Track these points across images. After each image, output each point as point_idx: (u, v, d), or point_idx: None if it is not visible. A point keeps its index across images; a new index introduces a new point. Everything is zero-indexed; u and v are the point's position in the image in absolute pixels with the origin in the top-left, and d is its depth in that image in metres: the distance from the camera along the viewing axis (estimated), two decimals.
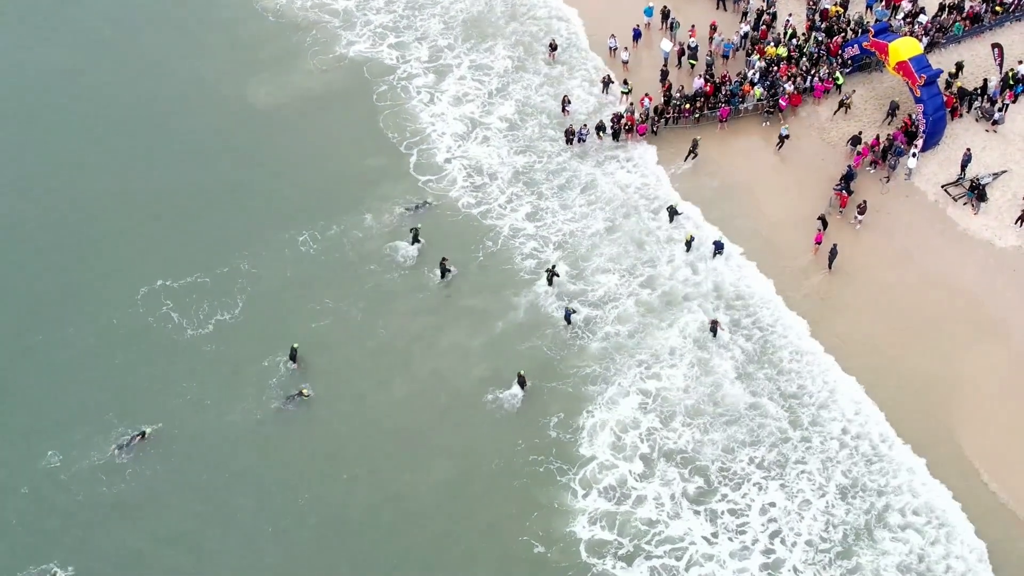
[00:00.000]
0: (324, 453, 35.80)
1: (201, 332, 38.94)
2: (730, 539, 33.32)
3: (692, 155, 43.31)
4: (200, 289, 40.31)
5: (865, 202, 40.72)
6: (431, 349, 38.62)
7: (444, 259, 40.49)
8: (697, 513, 33.90)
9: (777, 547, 33.12)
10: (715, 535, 33.42)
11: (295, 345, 37.75)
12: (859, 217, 40.71)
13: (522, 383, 36.88)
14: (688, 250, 40.76)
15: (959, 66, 43.42)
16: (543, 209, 43.11)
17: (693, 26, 47.39)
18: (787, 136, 43.01)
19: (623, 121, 44.73)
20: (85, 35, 51.74)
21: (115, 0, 53.90)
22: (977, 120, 42.62)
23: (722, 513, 33.89)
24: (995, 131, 42.34)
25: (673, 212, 41.51)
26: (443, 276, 40.55)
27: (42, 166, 45.43)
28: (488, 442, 35.92)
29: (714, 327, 38.14)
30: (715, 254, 40.46)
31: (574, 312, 38.93)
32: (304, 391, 36.64)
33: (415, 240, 41.53)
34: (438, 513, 34.36)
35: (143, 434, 35.51)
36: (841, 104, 43.74)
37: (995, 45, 43.71)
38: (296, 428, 36.40)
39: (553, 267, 40.17)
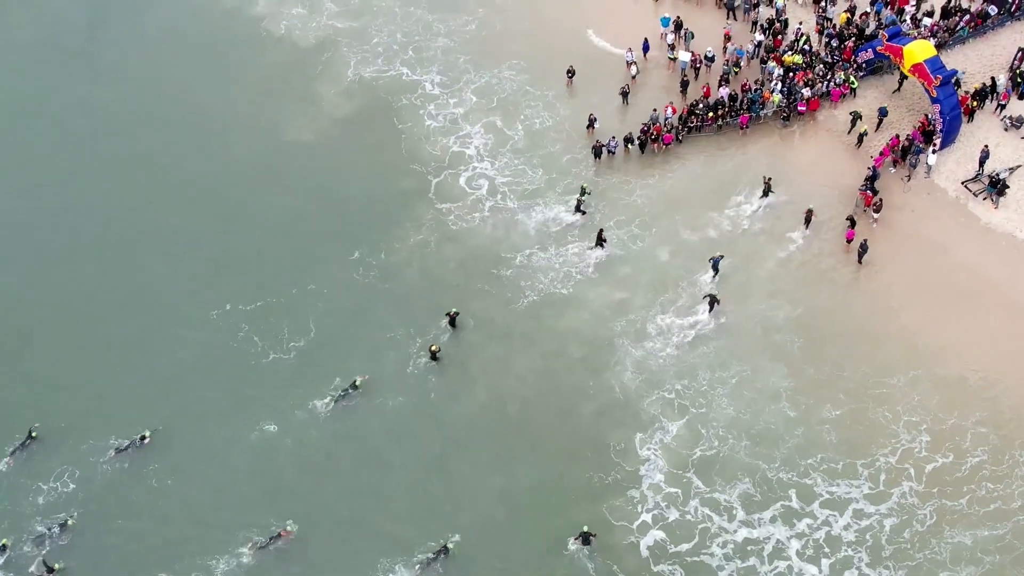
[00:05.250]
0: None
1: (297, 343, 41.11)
2: (800, 542, 34.87)
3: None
4: (276, 310, 41.92)
5: (881, 200, 42.49)
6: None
7: (602, 230, 42.59)
8: (770, 519, 35.44)
9: (845, 548, 34.66)
10: (788, 539, 34.93)
11: (455, 311, 40.29)
12: (875, 215, 42.46)
13: (712, 304, 40.04)
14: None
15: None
16: (576, 221, 44.42)
17: (693, 52, 48.63)
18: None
19: (650, 131, 46.05)
20: (125, 73, 52.23)
21: (138, 33, 54.19)
22: (1006, 130, 44.27)
23: (792, 519, 35.40)
24: None
25: None
26: (601, 247, 42.63)
27: (94, 199, 46.53)
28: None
29: (808, 215, 42.19)
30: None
31: (722, 258, 41.29)
32: (433, 348, 39.73)
33: (582, 200, 44.15)
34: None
35: (354, 383, 39.19)
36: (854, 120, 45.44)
37: (1021, 48, 45.50)
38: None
39: (769, 179, 43.17)
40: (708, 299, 40.58)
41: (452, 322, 40.66)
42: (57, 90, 51.18)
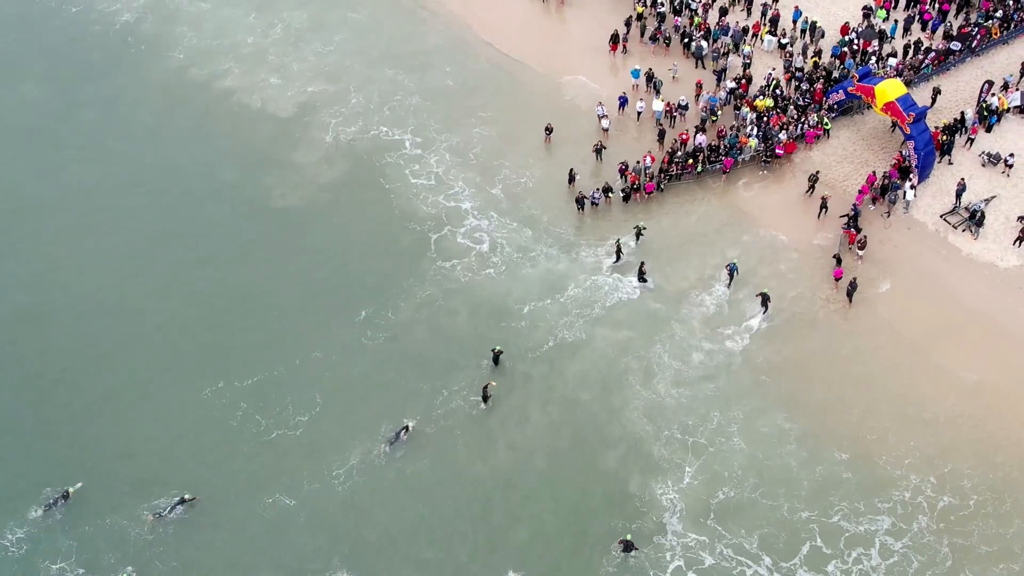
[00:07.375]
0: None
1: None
2: None
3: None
4: (274, 384, 41.29)
5: (865, 236, 43.45)
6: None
7: (643, 263, 43.25)
8: (800, 562, 35.68)
9: None
10: None
11: (498, 348, 40.83)
12: (860, 253, 43.38)
13: (765, 302, 41.73)
14: None
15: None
16: (572, 272, 44.73)
17: (666, 101, 49.50)
18: None
19: (629, 181, 46.61)
20: (101, 153, 51.18)
21: (110, 113, 53.39)
22: (984, 165, 45.61)
23: (819, 563, 35.62)
24: (1008, 174, 45.10)
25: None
26: (643, 281, 43.36)
27: (78, 275, 45.51)
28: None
29: (824, 202, 44.71)
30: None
31: (735, 264, 43.11)
32: (492, 384, 40.11)
33: (639, 235, 44.96)
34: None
35: (407, 428, 39.35)
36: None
37: (987, 82, 47.24)
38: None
39: (817, 172, 45.09)
40: (760, 297, 41.75)
41: (496, 360, 40.77)
42: (33, 173, 50.08)
